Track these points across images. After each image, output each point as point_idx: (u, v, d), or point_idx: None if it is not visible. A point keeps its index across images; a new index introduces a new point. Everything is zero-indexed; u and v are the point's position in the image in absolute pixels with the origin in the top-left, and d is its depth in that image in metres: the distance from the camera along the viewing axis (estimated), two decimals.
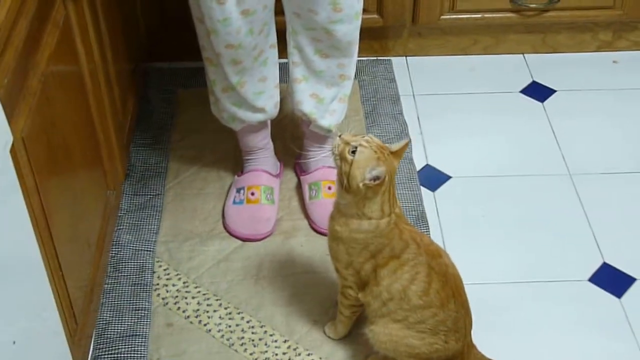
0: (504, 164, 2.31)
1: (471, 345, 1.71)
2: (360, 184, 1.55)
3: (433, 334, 1.64)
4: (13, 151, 1.26)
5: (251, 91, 1.98)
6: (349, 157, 1.56)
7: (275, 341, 1.85)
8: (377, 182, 1.54)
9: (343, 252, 1.66)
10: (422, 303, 1.61)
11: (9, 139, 1.17)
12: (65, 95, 1.61)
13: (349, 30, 1.89)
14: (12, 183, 1.22)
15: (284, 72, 2.09)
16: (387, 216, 1.60)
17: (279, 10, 1.89)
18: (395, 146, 1.59)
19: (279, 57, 2.01)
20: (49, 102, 1.48)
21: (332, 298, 1.93)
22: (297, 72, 2.00)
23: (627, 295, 1.96)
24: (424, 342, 1.65)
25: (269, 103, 2.04)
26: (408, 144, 1.62)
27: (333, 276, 1.97)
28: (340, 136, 1.60)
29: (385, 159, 1.56)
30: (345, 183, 1.57)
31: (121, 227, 2.08)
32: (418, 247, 1.62)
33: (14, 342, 1.21)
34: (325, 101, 2.04)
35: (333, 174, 2.13)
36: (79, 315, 1.64)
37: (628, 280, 2.00)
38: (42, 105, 1.44)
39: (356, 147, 1.55)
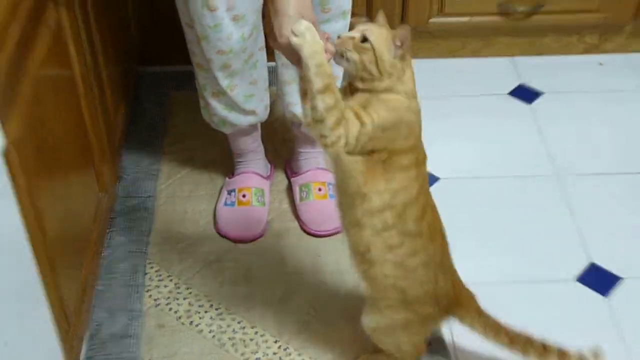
0: (492, 165, 2.32)
1: (460, 283, 1.68)
2: (393, 58, 1.41)
3: (425, 272, 1.58)
4: (5, 154, 1.26)
5: (242, 94, 1.98)
6: (366, 45, 1.40)
7: (266, 341, 1.85)
8: (406, 44, 1.41)
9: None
10: (415, 230, 1.54)
11: (2, 142, 1.17)
12: (57, 98, 1.61)
13: (337, 29, 1.88)
14: (4, 186, 1.22)
15: (273, 75, 2.09)
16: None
17: (266, 13, 1.90)
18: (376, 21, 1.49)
19: (267, 60, 2.01)
20: (41, 106, 1.48)
21: (323, 299, 1.94)
22: (286, 73, 2.00)
23: (613, 295, 1.97)
24: (416, 283, 1.59)
25: (260, 106, 2.04)
26: (383, 14, 1.49)
27: (323, 277, 1.99)
28: (338, 37, 1.43)
29: (389, 26, 1.45)
30: (376, 70, 1.41)
31: (113, 228, 2.08)
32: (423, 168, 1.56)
33: (6, 343, 1.21)
34: None
35: (323, 176, 2.15)
36: (71, 316, 1.64)
37: (614, 280, 2.01)
38: (34, 108, 1.44)
39: (364, 34, 1.41)
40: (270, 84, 2.08)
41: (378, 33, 1.42)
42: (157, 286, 1.97)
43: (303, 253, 2.05)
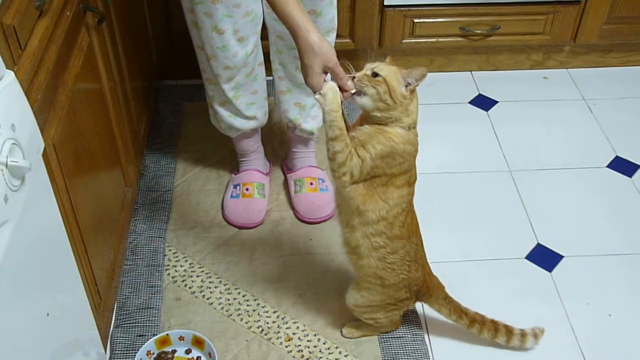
0: (456, 162, 2.32)
1: (430, 274, 1.70)
2: (404, 90, 1.42)
3: (400, 265, 1.60)
4: (45, 155, 1.25)
5: (244, 103, 1.98)
6: (379, 78, 1.42)
7: (267, 312, 1.85)
8: (420, 81, 1.42)
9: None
10: (399, 234, 1.56)
11: (41, 145, 1.16)
12: (89, 108, 1.60)
13: None
14: (45, 182, 1.21)
15: (271, 87, 2.09)
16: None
17: (263, 36, 1.89)
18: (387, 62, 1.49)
19: (265, 74, 2.01)
20: (76, 114, 1.48)
21: (314, 276, 1.93)
22: (282, 85, 2.00)
23: (556, 270, 1.98)
24: (393, 274, 1.61)
25: (260, 112, 2.04)
26: (391, 59, 1.50)
27: (314, 258, 1.98)
28: (354, 79, 1.44)
29: (395, 65, 1.46)
30: (391, 100, 1.42)
31: (137, 217, 2.08)
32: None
33: (48, 314, 1.21)
34: (307, 108, 2.04)
35: (314, 172, 2.15)
36: (102, 291, 1.64)
37: (557, 257, 2.01)
38: (70, 116, 1.43)
39: (373, 70, 1.43)
40: (268, 95, 2.07)
41: (388, 69, 1.44)
42: (175, 266, 1.97)
43: (297, 237, 2.04)
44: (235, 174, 2.18)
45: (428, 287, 1.68)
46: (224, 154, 2.29)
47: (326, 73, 1.46)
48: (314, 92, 1.47)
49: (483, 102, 2.57)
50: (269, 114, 2.11)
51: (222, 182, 2.21)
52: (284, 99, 2.03)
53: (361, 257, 1.60)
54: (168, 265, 1.96)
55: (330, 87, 1.44)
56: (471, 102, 2.57)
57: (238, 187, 2.12)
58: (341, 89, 1.46)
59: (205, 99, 2.05)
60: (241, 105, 1.98)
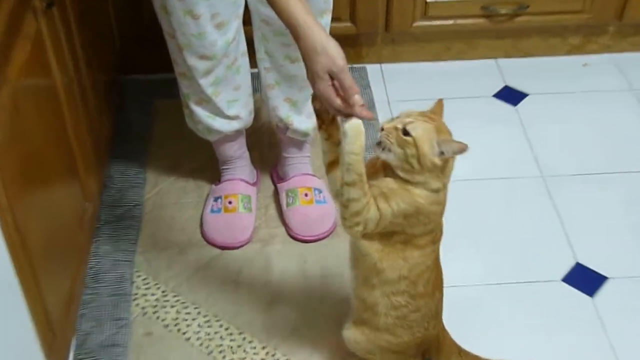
0: (480, 168, 2.30)
1: (444, 330, 1.72)
2: (436, 159, 1.43)
3: (420, 322, 1.62)
4: None
5: (226, 99, 1.97)
6: (409, 139, 1.41)
7: (254, 347, 1.84)
8: (456, 155, 1.45)
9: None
10: (423, 291, 1.58)
11: None
12: (37, 108, 1.59)
13: None
14: None
15: (257, 82, 2.08)
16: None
17: (245, 20, 1.89)
18: (431, 110, 1.50)
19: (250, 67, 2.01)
20: (21, 116, 1.46)
21: (309, 304, 1.92)
22: (270, 77, 2.00)
23: (599, 294, 1.97)
24: (409, 332, 1.63)
25: (244, 111, 2.03)
26: (442, 103, 1.51)
27: (309, 282, 1.97)
28: (382, 129, 1.44)
29: (437, 121, 1.47)
30: (417, 165, 1.42)
31: (99, 238, 2.07)
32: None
33: None
34: (299, 104, 2.03)
35: (309, 181, 2.14)
36: (56, 327, 1.62)
37: (600, 279, 2.00)
38: (13, 119, 1.42)
39: (405, 127, 1.42)
40: (254, 90, 2.07)
41: (423, 127, 1.42)
42: (145, 294, 1.96)
43: (290, 259, 2.04)
44: (216, 185, 2.17)
45: (439, 344, 1.70)
46: (202, 161, 2.29)
47: (332, 79, 1.45)
48: (328, 104, 1.46)
49: (510, 96, 2.56)
50: (255, 113, 2.11)
51: (201, 194, 2.21)
52: (272, 95, 2.03)
53: (377, 315, 1.61)
54: (137, 294, 1.96)
55: (352, 126, 1.41)
56: (496, 96, 2.57)
57: (219, 200, 2.12)
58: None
59: (179, 95, 2.05)
60: (222, 103, 1.97)
